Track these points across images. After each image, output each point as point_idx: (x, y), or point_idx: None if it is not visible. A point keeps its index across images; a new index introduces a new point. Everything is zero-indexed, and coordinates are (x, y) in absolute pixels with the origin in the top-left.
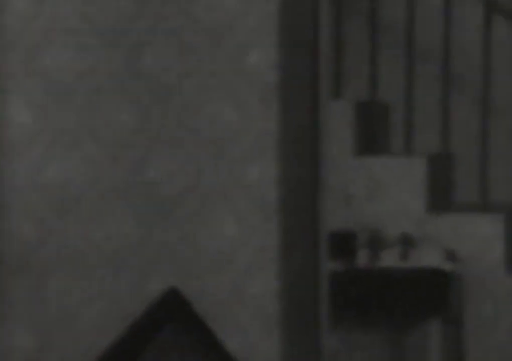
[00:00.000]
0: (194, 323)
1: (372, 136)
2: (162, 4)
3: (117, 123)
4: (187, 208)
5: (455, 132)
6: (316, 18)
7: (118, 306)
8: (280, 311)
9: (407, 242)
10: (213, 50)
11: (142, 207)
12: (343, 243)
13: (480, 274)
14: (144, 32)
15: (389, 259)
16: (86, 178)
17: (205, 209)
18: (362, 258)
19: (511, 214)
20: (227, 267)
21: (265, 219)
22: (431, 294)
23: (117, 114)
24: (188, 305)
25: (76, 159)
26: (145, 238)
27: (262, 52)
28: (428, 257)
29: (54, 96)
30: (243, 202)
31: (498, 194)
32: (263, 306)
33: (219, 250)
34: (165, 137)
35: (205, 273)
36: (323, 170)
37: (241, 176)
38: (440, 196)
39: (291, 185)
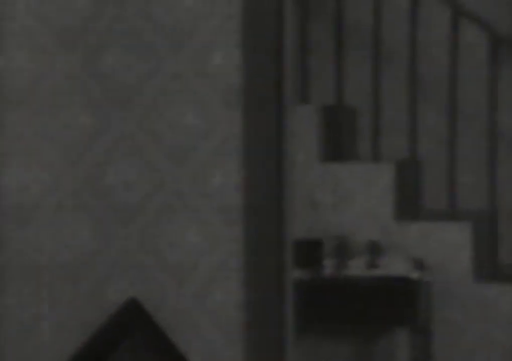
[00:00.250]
0: (155, 334)
1: (338, 141)
2: (121, 4)
3: (75, 126)
4: (148, 216)
5: (423, 138)
6: (280, 19)
7: (76, 318)
8: (244, 321)
9: (374, 250)
10: (175, 52)
11: (101, 214)
12: (309, 251)
13: (448, 282)
14: (103, 33)
15: (356, 267)
16: (42, 184)
17: (166, 217)
18: (328, 266)
19: (479, 222)
20: (189, 277)
21: (228, 227)
22: (399, 303)
23: (74, 117)
24: (149, 316)
25: (32, 164)
26: (104, 247)
27: (225, 54)
28: (396, 266)
29: (9, 99)
30: (206, 209)
31: (466, 201)
32: (226, 316)
33: (181, 259)
34: (125, 141)
35: (166, 282)
36: (288, 176)
37: (204, 182)
38: (408, 203)
39: (255, 192)
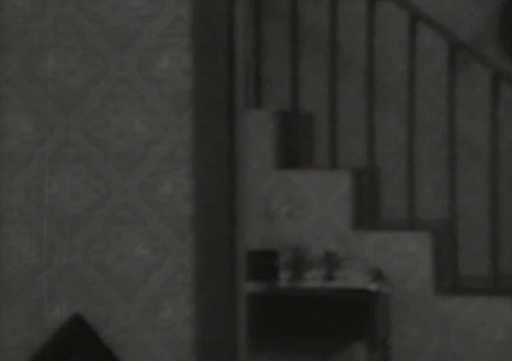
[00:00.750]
0: (100, 353)
1: (294, 148)
2: (62, 3)
3: (16, 133)
4: (94, 228)
5: (382, 145)
6: (232, 22)
7: (17, 337)
8: (195, 337)
9: (331, 262)
10: (121, 54)
11: (44, 226)
12: (264, 263)
13: (407, 295)
14: (44, 34)
15: (313, 279)
16: None
17: (113, 229)
18: (284, 279)
19: (439, 232)
20: (137, 292)
21: (178, 239)
22: (357, 316)
23: (15, 123)
24: (94, 333)
25: None
26: (47, 261)
27: (174, 58)
28: (354, 277)
29: None
30: (155, 220)
31: (426, 211)
32: (176, 332)
33: (128, 273)
34: (70, 149)
35: (112, 297)
36: (241, 184)
37: (152, 192)
38: (366, 212)
39: (207, 201)
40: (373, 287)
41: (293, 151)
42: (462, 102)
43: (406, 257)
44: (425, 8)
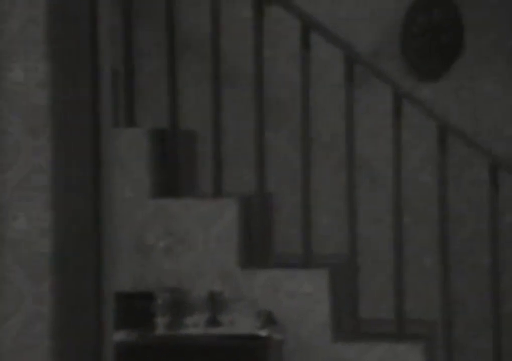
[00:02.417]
0: None
1: (173, 172)
2: None
3: None
4: None
5: (272, 169)
6: (95, 26)
7: None
8: None
9: (216, 304)
10: None
11: None
12: (137, 307)
13: (302, 341)
14: None
15: (195, 325)
16: None
17: None
18: (161, 325)
19: (338, 269)
20: None
21: (34, 282)
22: None
23: None
24: None
25: None
26: None
27: (27, 67)
28: (241, 322)
29: None
30: (8, 260)
31: (323, 245)
32: None
33: None
34: None
35: None
36: (110, 215)
37: (5, 228)
38: (256, 247)
39: (67, 238)
40: (263, 332)
41: (172, 176)
42: (363, 122)
43: (300, 298)
44: (320, 17)
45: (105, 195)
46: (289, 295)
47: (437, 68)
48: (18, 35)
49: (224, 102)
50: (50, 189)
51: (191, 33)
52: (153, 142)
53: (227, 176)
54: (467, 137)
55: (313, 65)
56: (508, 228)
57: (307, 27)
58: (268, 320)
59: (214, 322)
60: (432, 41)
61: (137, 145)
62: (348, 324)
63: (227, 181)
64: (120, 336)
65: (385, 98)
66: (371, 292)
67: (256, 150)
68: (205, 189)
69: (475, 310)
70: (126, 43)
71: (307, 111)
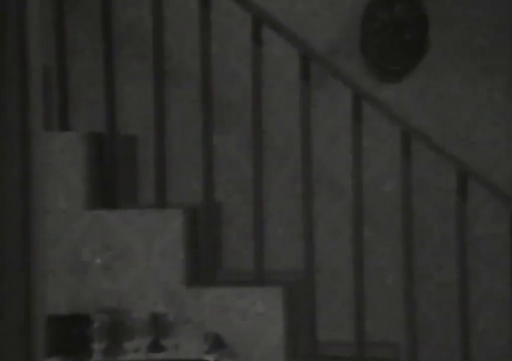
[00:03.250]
0: None
1: (112, 181)
2: None
3: None
4: None
5: (223, 176)
6: (23, 20)
7: None
8: None
9: (159, 327)
10: None
11: None
12: (72, 331)
13: None
14: None
15: (136, 351)
16: None
17: None
18: (98, 351)
19: (293, 287)
20: None
21: None
22: None
23: None
24: None
25: None
26: None
27: None
28: (187, 346)
29: None
30: None
31: (277, 259)
32: None
33: None
34: None
35: None
36: (39, 229)
37: None
38: (203, 263)
39: None
40: (211, 357)
41: (110, 185)
42: (321, 125)
43: (252, 319)
44: (274, 11)
45: (35, 207)
46: (240, 315)
47: (401, 68)
48: None
49: (168, 102)
50: None
51: (131, 27)
52: (90, 147)
53: (171, 185)
54: (432, 141)
55: (267, 63)
56: (478, 240)
57: (259, 20)
58: (217, 343)
59: (156, 346)
60: (395, 37)
61: (72, 150)
62: (304, 347)
63: (171, 190)
64: None
65: (345, 99)
66: (330, 312)
67: (204, 155)
68: (147, 200)
69: (442, 331)
70: (58, 39)
71: (259, 112)
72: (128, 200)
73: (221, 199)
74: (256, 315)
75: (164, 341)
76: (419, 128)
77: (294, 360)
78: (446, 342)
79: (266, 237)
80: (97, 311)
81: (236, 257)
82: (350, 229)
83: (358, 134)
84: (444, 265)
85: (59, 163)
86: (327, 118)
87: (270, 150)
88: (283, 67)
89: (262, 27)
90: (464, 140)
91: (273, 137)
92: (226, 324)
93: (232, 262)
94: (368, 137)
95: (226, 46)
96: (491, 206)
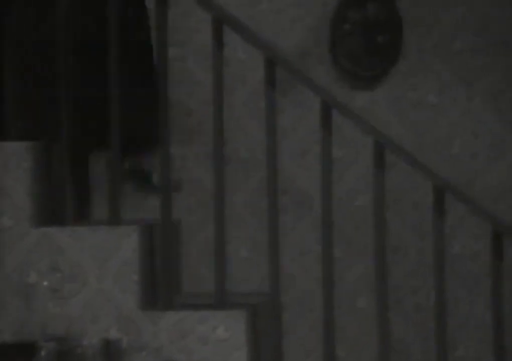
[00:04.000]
0: None
1: (61, 196)
2: None
3: None
4: None
5: (181, 193)
6: None
7: None
8: None
9: (112, 354)
10: None
11: None
12: (16, 360)
13: None
14: None
15: None
16: None
17: None
18: None
19: (258, 310)
20: None
21: None
22: None
23: None
24: None
25: None
26: None
27: None
28: None
29: None
30: None
31: (241, 281)
32: None
33: None
34: None
35: None
36: None
37: None
38: (160, 285)
39: None
40: None
41: (59, 201)
42: (289, 136)
43: (214, 345)
44: (238, 11)
45: None
46: (200, 341)
47: (373, 74)
48: None
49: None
50: None
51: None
52: (36, 159)
53: (126, 200)
54: (408, 154)
55: (230, 68)
56: (457, 260)
57: (220, 21)
58: None
59: None
60: (367, 41)
61: (16, 162)
62: None
63: (126, 206)
64: None
65: (316, 107)
66: (298, 337)
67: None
68: (99, 216)
69: (419, 357)
70: None
71: (221, 122)
72: (79, 217)
73: (180, 216)
74: (217, 340)
75: None
76: (393, 139)
77: None
78: None
79: (228, 256)
80: (44, 338)
81: (196, 280)
82: (319, 248)
83: (327, 145)
84: (421, 286)
85: (1, 176)
86: (297, 127)
87: (233, 163)
88: (248, 72)
89: (223, 28)
90: (442, 151)
91: (237, 147)
92: (185, 351)
93: (192, 283)
94: (340, 149)
95: (185, 49)
96: (470, 222)
